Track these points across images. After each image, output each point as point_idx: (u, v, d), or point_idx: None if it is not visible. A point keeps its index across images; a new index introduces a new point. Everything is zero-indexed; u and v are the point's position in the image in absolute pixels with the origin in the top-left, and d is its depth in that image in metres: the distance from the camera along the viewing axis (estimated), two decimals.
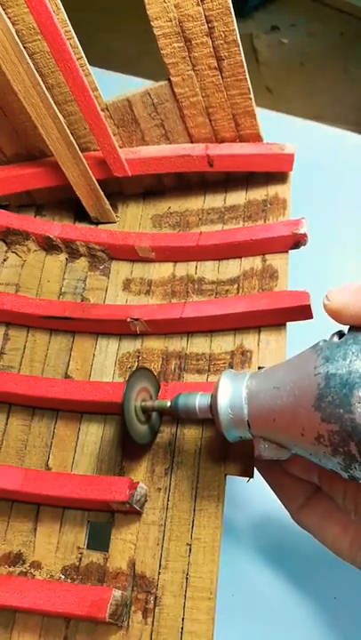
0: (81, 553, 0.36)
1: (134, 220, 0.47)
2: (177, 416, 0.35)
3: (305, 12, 2.04)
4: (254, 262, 0.43)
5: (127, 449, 0.38)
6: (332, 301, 0.29)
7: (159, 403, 0.36)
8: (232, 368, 0.39)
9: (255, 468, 0.37)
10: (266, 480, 0.38)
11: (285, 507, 0.38)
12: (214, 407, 0.32)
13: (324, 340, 0.29)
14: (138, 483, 0.36)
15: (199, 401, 0.34)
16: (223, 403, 0.32)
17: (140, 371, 0.37)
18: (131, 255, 0.45)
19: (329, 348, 0.28)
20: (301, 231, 0.41)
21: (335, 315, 0.29)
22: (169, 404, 0.35)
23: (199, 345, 0.41)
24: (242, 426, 0.32)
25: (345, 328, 0.29)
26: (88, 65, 0.41)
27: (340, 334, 0.29)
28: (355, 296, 0.29)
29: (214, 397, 0.32)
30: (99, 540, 0.37)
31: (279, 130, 0.45)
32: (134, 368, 0.37)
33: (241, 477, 0.36)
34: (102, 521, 0.37)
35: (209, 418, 0.33)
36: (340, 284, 0.30)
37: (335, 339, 0.29)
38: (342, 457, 0.27)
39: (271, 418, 0.30)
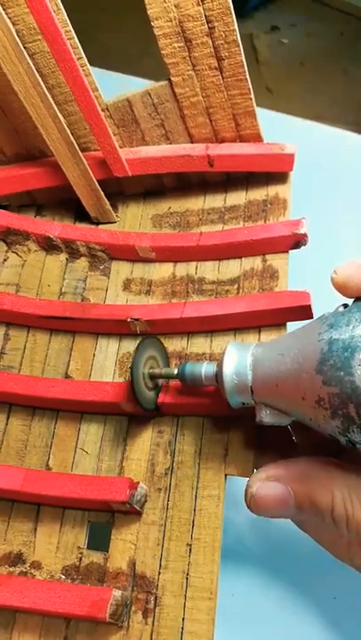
0: (81, 553, 0.36)
1: (134, 220, 0.47)
2: (183, 383, 0.36)
3: (305, 11, 2.04)
4: (255, 262, 0.43)
5: (128, 444, 0.38)
6: (339, 275, 0.31)
7: (167, 370, 0.37)
8: None
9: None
10: None
11: None
12: (220, 373, 0.33)
13: (329, 312, 0.30)
14: (138, 483, 0.36)
15: (205, 368, 0.35)
16: (228, 368, 0.33)
17: (149, 339, 0.38)
18: (131, 255, 0.45)
19: (333, 317, 0.29)
20: (302, 231, 0.41)
21: (341, 287, 0.31)
22: (176, 371, 0.36)
23: (199, 345, 0.41)
24: (245, 392, 0.32)
25: (350, 302, 0.31)
26: (88, 65, 0.41)
27: (345, 306, 0.30)
28: (360, 269, 0.31)
29: (220, 363, 0.33)
30: (99, 540, 0.37)
31: (279, 130, 0.45)
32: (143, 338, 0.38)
33: (241, 477, 0.36)
34: (102, 521, 0.37)
35: (214, 385, 0.35)
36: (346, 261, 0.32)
37: (340, 309, 0.30)
38: (341, 420, 0.27)
39: (274, 383, 0.31)
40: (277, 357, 0.31)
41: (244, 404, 0.33)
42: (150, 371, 0.37)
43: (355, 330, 0.27)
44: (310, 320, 0.31)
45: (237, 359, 0.33)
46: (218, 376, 0.34)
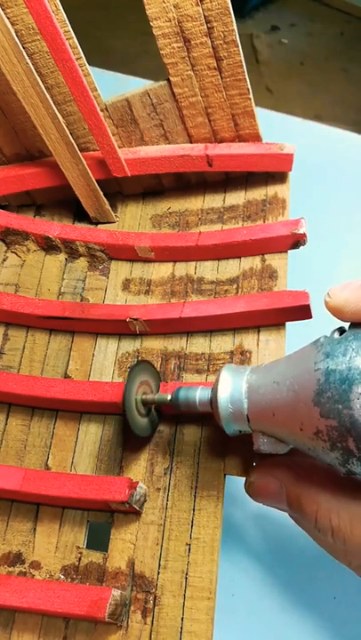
0: (80, 553, 0.36)
1: (134, 220, 0.47)
2: (177, 409, 0.35)
3: (305, 11, 2.04)
4: (254, 262, 0.43)
5: (127, 444, 0.38)
6: (333, 298, 0.29)
7: (160, 396, 0.36)
8: None
9: None
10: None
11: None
12: (214, 401, 0.32)
13: (325, 336, 0.29)
14: (137, 482, 0.36)
15: (200, 394, 0.34)
16: (223, 396, 0.32)
17: (142, 364, 0.37)
18: (130, 255, 0.45)
19: (330, 344, 0.28)
20: (301, 231, 0.41)
21: (336, 312, 0.29)
22: (170, 397, 0.35)
23: (198, 345, 0.41)
24: (241, 420, 0.32)
25: (346, 325, 0.30)
26: (87, 65, 0.41)
27: (341, 331, 0.29)
28: (356, 293, 0.29)
29: (214, 391, 0.32)
30: (98, 540, 0.37)
31: (279, 130, 0.45)
32: (135, 361, 0.37)
33: (240, 477, 0.36)
34: (102, 521, 0.37)
35: (209, 412, 0.34)
36: (340, 283, 0.30)
37: (336, 335, 0.29)
38: (340, 452, 0.27)
39: (270, 412, 0.30)
40: (273, 386, 0.30)
41: (240, 431, 0.33)
42: (143, 397, 0.36)
43: (352, 361, 0.26)
44: (304, 346, 0.30)
45: (232, 386, 0.32)
46: (213, 403, 0.33)
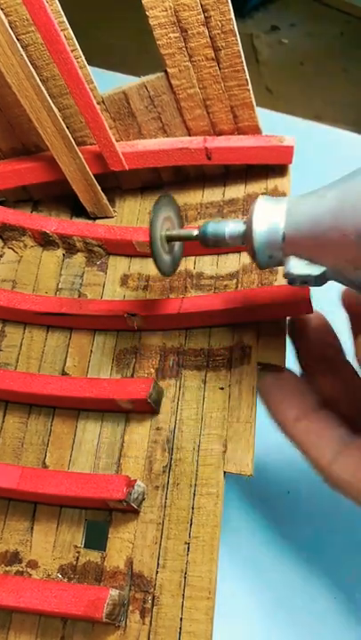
0: (78, 552, 0.36)
1: (132, 215, 0.47)
2: (205, 244, 0.33)
3: (305, 11, 2.04)
4: None
5: (126, 442, 0.38)
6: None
7: (185, 232, 0.34)
8: (230, 364, 0.39)
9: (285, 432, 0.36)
10: (293, 437, 0.37)
11: (314, 463, 0.36)
12: (249, 224, 0.31)
13: None
14: (135, 480, 0.35)
15: (230, 228, 0.33)
16: (260, 220, 0.30)
17: (165, 198, 0.35)
18: (128, 250, 0.44)
19: None
20: None
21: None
22: (196, 232, 0.34)
23: (198, 340, 0.40)
24: (276, 242, 0.30)
25: None
26: (83, 57, 0.40)
27: None
28: None
29: (250, 214, 0.31)
30: (96, 539, 0.36)
31: (279, 129, 0.44)
32: (159, 196, 0.35)
33: (240, 475, 0.36)
34: (100, 519, 0.36)
35: (238, 244, 0.32)
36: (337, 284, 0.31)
37: None
38: None
39: (311, 224, 0.29)
40: (317, 199, 0.29)
41: (271, 257, 0.31)
42: (167, 233, 0.34)
43: None
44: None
45: (270, 210, 0.30)
46: (246, 231, 0.31)
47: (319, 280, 0.30)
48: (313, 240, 0.29)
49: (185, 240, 0.35)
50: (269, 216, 0.30)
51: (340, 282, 0.30)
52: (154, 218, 0.33)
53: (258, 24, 2.00)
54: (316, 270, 0.30)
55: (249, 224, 0.31)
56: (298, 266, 0.30)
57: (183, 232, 0.34)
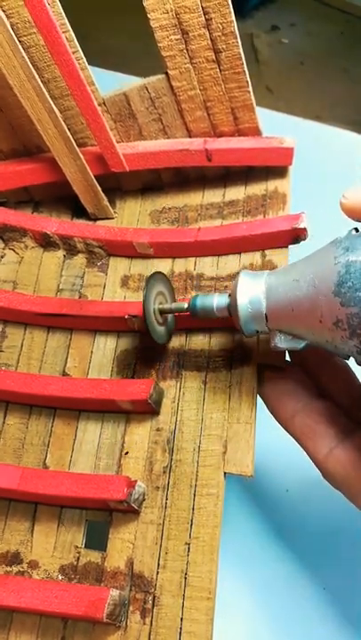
0: (79, 552, 0.36)
1: (132, 216, 0.47)
2: (195, 316, 0.36)
3: (305, 11, 2.04)
4: (254, 258, 0.42)
5: (126, 442, 0.38)
6: (348, 199, 0.32)
7: (176, 305, 0.37)
8: (231, 365, 0.39)
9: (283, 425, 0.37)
10: (291, 432, 0.37)
11: (311, 458, 0.36)
12: (233, 301, 0.33)
13: (342, 236, 0.30)
14: (136, 481, 0.35)
15: (217, 300, 0.35)
16: (242, 297, 0.33)
17: (157, 275, 0.37)
18: (129, 251, 0.44)
19: (348, 240, 0.30)
20: (301, 225, 0.40)
21: (351, 211, 0.32)
22: (186, 305, 0.36)
23: (198, 342, 0.40)
24: (260, 319, 0.33)
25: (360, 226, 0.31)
26: (84, 58, 0.40)
27: (357, 230, 0.30)
28: None
29: (233, 292, 0.34)
30: (97, 540, 0.36)
31: (279, 129, 0.44)
32: (150, 274, 0.38)
33: (241, 476, 0.36)
34: (100, 520, 0.36)
35: (226, 315, 0.35)
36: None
37: (353, 232, 0.30)
38: (359, 339, 0.28)
39: (290, 308, 0.31)
40: (292, 283, 0.31)
41: (258, 331, 0.34)
42: (160, 306, 0.37)
43: None
44: (322, 247, 0.32)
45: (251, 287, 0.33)
46: (231, 305, 0.34)
47: (304, 349, 0.33)
48: (293, 322, 0.32)
49: (176, 312, 0.38)
50: (251, 295, 0.33)
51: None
52: (147, 293, 0.36)
53: (258, 24, 2.00)
54: (299, 344, 0.33)
55: (233, 299, 0.34)
56: (283, 340, 0.33)
57: (175, 306, 0.37)
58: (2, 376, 0.39)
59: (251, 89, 0.42)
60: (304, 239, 0.41)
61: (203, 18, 0.38)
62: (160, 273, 0.38)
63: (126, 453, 0.37)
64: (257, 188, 0.45)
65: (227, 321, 0.36)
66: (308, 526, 0.48)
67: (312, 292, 0.30)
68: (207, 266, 0.43)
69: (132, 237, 0.43)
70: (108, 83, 0.44)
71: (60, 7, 0.38)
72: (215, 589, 0.33)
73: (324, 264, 0.30)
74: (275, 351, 0.34)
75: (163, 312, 0.37)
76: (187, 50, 0.40)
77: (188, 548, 0.34)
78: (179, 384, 0.39)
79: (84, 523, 0.36)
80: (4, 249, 0.46)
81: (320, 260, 0.31)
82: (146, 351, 0.41)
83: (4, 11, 0.38)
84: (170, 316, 0.39)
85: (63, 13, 0.38)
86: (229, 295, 0.35)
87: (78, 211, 0.47)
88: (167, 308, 0.37)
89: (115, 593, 0.33)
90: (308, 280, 0.30)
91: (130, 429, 0.38)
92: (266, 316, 0.33)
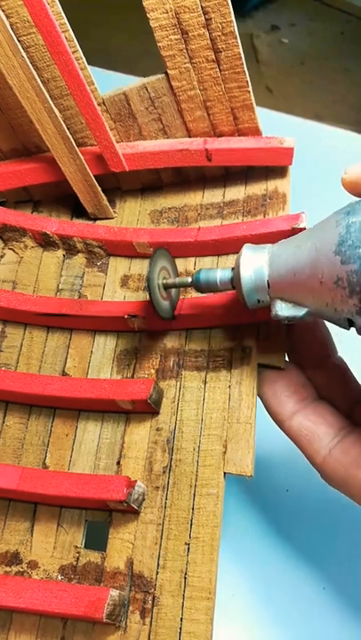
0: (78, 552, 0.36)
1: (132, 216, 0.47)
2: (198, 290, 0.37)
3: (305, 11, 2.04)
4: None
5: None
6: (349, 174, 0.32)
7: (180, 279, 0.38)
8: (230, 365, 0.39)
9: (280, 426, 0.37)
10: (288, 433, 0.37)
11: (309, 459, 0.36)
12: (236, 272, 0.34)
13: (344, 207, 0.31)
14: (136, 481, 0.35)
15: (221, 274, 0.36)
16: (246, 268, 0.34)
17: (160, 250, 0.38)
18: (129, 251, 0.44)
19: (350, 206, 0.30)
20: (301, 225, 0.40)
21: (352, 187, 0.33)
22: (190, 279, 0.37)
23: (198, 341, 0.40)
24: (262, 288, 0.34)
25: None
26: (84, 58, 0.40)
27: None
28: None
29: (236, 264, 0.34)
30: (96, 540, 0.36)
31: (279, 129, 0.44)
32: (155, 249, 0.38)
33: (241, 476, 0.36)
34: (100, 520, 0.36)
35: (229, 289, 0.36)
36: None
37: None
38: (359, 296, 0.29)
39: (292, 273, 0.32)
40: (294, 250, 0.32)
41: (259, 301, 0.34)
42: (164, 281, 0.38)
43: None
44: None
45: (254, 258, 0.34)
46: (234, 277, 0.34)
47: (304, 319, 0.33)
48: (295, 287, 0.32)
49: (180, 287, 0.39)
50: (254, 264, 0.34)
51: (323, 319, 0.33)
52: (151, 268, 0.36)
53: (258, 24, 2.00)
54: (300, 312, 0.33)
55: (237, 270, 0.34)
56: (283, 308, 0.33)
57: (178, 280, 0.38)
58: (1, 376, 0.39)
59: (251, 89, 0.42)
60: None
61: (202, 17, 0.38)
62: (163, 248, 0.38)
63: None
64: (257, 188, 0.45)
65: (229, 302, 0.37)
66: (308, 526, 0.48)
67: (313, 255, 0.30)
68: (207, 265, 0.43)
69: (132, 237, 0.43)
70: (107, 83, 0.44)
71: (60, 7, 0.38)
72: (215, 589, 0.33)
73: (326, 229, 0.30)
74: (275, 320, 0.34)
75: (167, 287, 0.38)
76: (186, 49, 0.40)
77: (188, 548, 0.34)
78: (179, 384, 0.39)
79: (83, 523, 0.36)
80: (3, 249, 0.46)
81: (322, 227, 0.31)
82: (146, 351, 0.41)
83: (3, 10, 0.38)
84: (174, 291, 0.39)
85: (63, 13, 0.38)
86: (232, 269, 0.35)
87: (78, 210, 0.47)
88: (171, 282, 0.38)
89: (114, 593, 0.33)
90: (310, 245, 0.31)
91: (130, 429, 0.38)
92: (268, 284, 0.33)
